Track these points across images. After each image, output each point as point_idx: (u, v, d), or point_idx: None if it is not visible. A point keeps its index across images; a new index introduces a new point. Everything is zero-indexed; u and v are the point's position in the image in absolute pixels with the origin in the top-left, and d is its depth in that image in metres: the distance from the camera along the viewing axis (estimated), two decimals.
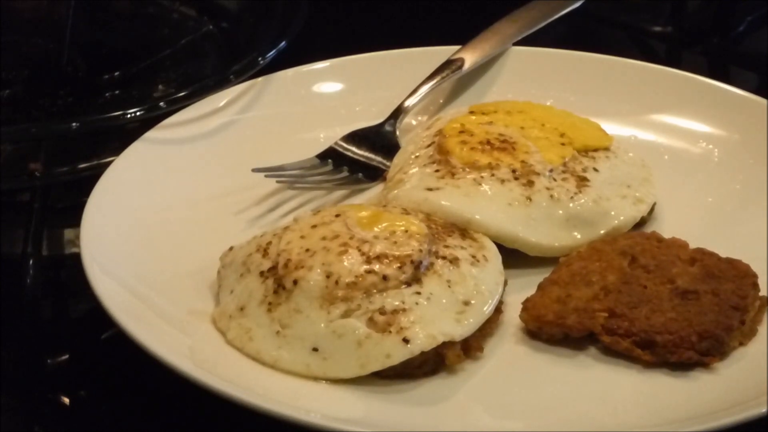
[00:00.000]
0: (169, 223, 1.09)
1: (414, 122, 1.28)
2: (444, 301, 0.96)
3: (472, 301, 0.96)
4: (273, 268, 0.98)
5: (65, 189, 1.22)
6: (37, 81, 1.33)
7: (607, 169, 1.12)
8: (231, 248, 1.03)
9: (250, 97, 1.26)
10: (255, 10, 1.44)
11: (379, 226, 0.99)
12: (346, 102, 1.29)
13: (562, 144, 1.13)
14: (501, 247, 1.04)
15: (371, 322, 0.93)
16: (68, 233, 1.18)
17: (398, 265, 0.96)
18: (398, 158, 1.16)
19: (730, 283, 0.98)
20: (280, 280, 0.96)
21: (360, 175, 1.18)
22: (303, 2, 1.37)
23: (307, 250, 0.97)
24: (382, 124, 1.24)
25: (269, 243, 1.00)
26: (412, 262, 0.96)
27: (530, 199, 1.07)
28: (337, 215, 1.01)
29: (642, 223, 1.11)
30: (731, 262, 1.01)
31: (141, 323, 0.93)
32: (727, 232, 1.10)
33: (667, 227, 1.10)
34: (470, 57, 1.31)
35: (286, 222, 1.05)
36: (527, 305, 0.99)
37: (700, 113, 1.25)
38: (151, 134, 1.17)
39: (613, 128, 1.20)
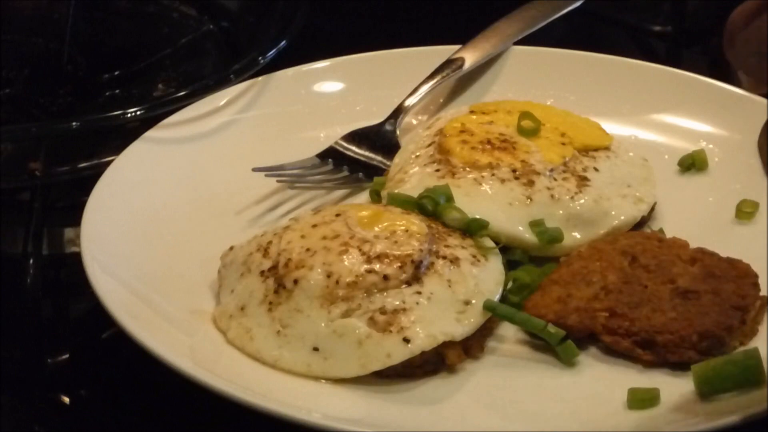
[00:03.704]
0: (170, 222, 1.09)
1: (414, 122, 1.28)
2: (444, 300, 0.96)
3: (473, 301, 0.97)
4: (273, 268, 0.98)
5: (65, 188, 1.22)
6: (37, 80, 1.33)
7: (608, 169, 1.13)
8: (231, 248, 1.03)
9: (251, 96, 1.26)
10: (255, 10, 1.44)
11: (380, 226, 0.99)
12: (346, 101, 1.29)
13: (563, 143, 1.13)
14: (501, 247, 1.04)
15: (372, 321, 0.93)
16: (68, 232, 1.18)
17: (399, 264, 0.96)
18: (399, 158, 1.16)
19: (730, 282, 0.98)
20: (280, 280, 0.96)
21: (360, 174, 1.18)
22: (303, 2, 1.37)
23: (308, 249, 0.97)
24: (382, 124, 1.24)
25: (270, 242, 1.00)
26: (412, 261, 0.96)
27: (531, 199, 1.07)
28: (338, 215, 1.01)
29: (642, 222, 1.11)
30: (731, 262, 1.01)
31: (141, 322, 0.93)
32: (727, 232, 1.10)
33: (667, 227, 1.10)
34: (470, 56, 1.31)
35: (287, 221, 1.05)
36: (528, 305, 0.99)
37: (700, 113, 1.25)
38: (151, 134, 1.17)
39: (613, 128, 1.20)
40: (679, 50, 1.64)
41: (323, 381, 0.93)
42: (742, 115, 1.22)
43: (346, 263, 0.96)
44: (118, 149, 1.14)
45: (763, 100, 1.22)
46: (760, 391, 0.89)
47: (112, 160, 1.13)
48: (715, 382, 0.90)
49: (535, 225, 1.06)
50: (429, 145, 1.14)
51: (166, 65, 1.41)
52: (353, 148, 1.21)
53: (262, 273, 0.98)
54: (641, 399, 0.91)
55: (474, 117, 1.16)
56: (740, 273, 1.00)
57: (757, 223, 1.11)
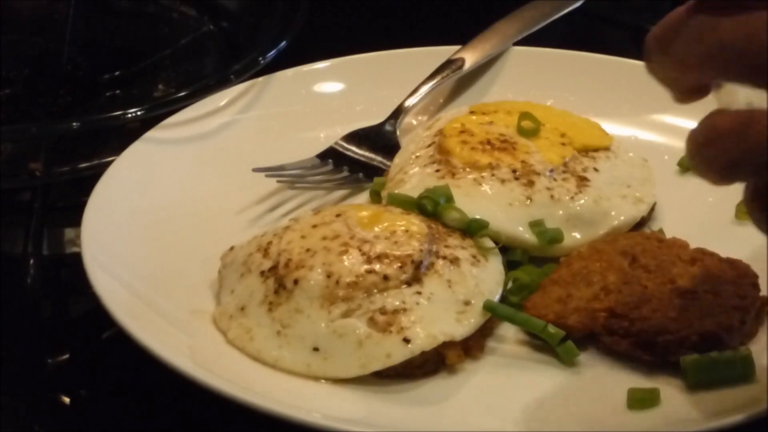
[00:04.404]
0: (170, 222, 1.09)
1: (414, 122, 1.28)
2: (444, 300, 0.96)
3: (473, 301, 0.97)
4: (274, 268, 0.98)
5: (65, 188, 1.22)
6: (37, 80, 1.33)
7: (608, 169, 1.13)
8: (231, 248, 1.03)
9: (251, 96, 1.26)
10: (255, 10, 1.44)
11: (380, 226, 0.99)
12: (346, 102, 1.29)
13: (563, 144, 1.13)
14: (501, 247, 1.04)
15: (372, 321, 0.93)
16: (69, 232, 1.18)
17: (399, 264, 0.96)
18: (399, 158, 1.16)
19: (730, 283, 0.98)
20: (280, 280, 0.96)
21: (360, 174, 1.18)
22: (303, 2, 1.37)
23: (308, 249, 0.97)
24: (382, 124, 1.24)
25: (270, 243, 1.00)
26: (412, 261, 0.96)
27: (531, 199, 1.07)
28: (338, 215, 1.01)
29: (642, 223, 1.11)
30: (731, 262, 1.01)
31: (141, 323, 0.93)
32: (727, 232, 1.10)
33: (667, 227, 1.10)
34: (470, 57, 1.31)
35: (287, 222, 1.05)
36: (528, 305, 0.99)
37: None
38: (151, 134, 1.17)
39: (613, 128, 1.20)
40: None
41: (323, 381, 0.93)
42: None
43: (346, 263, 0.96)
44: (118, 149, 1.14)
45: None
46: (760, 391, 0.89)
47: (112, 160, 1.13)
48: (706, 374, 0.91)
49: (535, 225, 1.06)
50: (429, 145, 1.14)
51: (166, 65, 1.41)
52: (353, 148, 1.21)
53: (262, 273, 0.98)
54: (641, 399, 0.91)
55: (474, 117, 1.16)
56: (740, 273, 1.00)
57: None
